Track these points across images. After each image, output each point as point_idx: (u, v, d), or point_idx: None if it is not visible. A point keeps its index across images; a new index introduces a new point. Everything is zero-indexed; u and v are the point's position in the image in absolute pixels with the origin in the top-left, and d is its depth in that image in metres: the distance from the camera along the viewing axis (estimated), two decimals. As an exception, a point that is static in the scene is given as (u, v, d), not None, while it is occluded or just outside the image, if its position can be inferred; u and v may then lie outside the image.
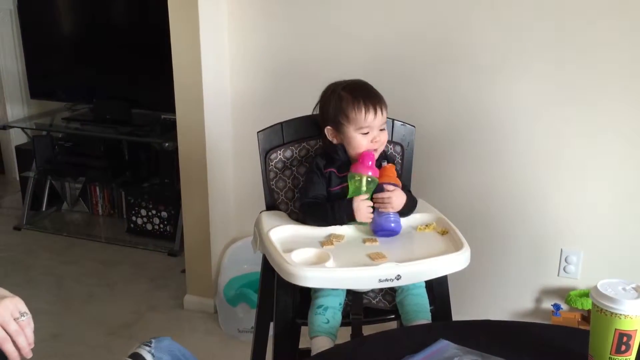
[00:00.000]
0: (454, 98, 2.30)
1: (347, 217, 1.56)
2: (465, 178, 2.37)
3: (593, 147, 2.19)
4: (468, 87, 2.27)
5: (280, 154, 1.72)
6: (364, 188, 1.56)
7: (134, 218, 3.38)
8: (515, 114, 2.25)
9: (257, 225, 1.66)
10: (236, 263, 2.64)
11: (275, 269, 1.45)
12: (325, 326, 1.50)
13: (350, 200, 1.56)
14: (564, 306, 2.33)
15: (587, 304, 2.23)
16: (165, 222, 3.30)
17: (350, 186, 1.58)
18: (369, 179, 1.56)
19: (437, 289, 1.60)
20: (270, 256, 1.49)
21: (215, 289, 2.63)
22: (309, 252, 1.48)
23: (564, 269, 2.35)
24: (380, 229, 1.57)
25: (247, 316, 2.44)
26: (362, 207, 1.55)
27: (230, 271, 2.62)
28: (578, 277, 2.34)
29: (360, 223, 1.57)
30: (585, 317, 2.30)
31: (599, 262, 2.30)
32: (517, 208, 2.34)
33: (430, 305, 1.61)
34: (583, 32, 2.10)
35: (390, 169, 1.62)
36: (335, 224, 1.58)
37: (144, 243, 3.30)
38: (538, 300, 2.42)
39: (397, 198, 1.57)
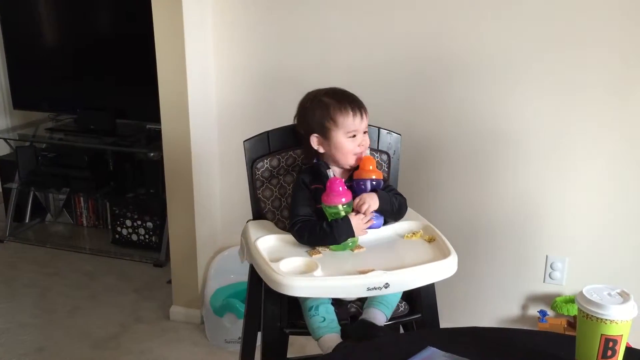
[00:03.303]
0: (439, 106, 2.31)
1: (346, 236, 1.54)
2: (451, 186, 2.38)
3: (578, 154, 2.21)
4: (452, 95, 2.28)
5: (266, 163, 1.72)
6: (342, 213, 1.55)
7: (119, 229, 3.35)
8: (500, 122, 2.26)
9: (244, 234, 1.66)
10: (222, 273, 2.62)
11: (263, 278, 1.45)
12: (323, 324, 1.50)
13: (347, 220, 1.54)
14: (550, 312, 2.35)
15: (573, 310, 2.24)
16: (151, 233, 3.28)
17: (327, 215, 1.56)
18: (345, 206, 1.55)
19: (425, 296, 1.60)
20: (257, 266, 1.49)
21: (201, 299, 2.62)
22: (297, 262, 1.48)
23: (550, 276, 2.36)
24: None
25: (234, 326, 2.43)
26: (359, 224, 1.55)
27: (216, 281, 2.60)
28: (563, 283, 2.35)
29: (346, 242, 1.56)
30: (572, 323, 2.31)
31: (584, 268, 2.32)
32: (503, 215, 2.36)
33: (417, 314, 1.62)
34: (567, 38, 2.12)
35: (369, 161, 1.62)
36: (331, 244, 1.55)
37: (129, 254, 3.28)
38: (524, 307, 2.43)
39: (369, 199, 1.56)
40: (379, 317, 1.51)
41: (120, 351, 2.47)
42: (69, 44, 3.43)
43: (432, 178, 2.39)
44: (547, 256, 2.35)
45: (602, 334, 1.07)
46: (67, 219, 3.69)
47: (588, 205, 2.26)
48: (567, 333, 2.28)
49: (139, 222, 3.30)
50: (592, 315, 1.07)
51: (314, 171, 1.64)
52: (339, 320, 1.54)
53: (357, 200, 1.57)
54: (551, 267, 2.35)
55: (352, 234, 1.54)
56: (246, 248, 1.61)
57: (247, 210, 2.59)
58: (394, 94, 2.32)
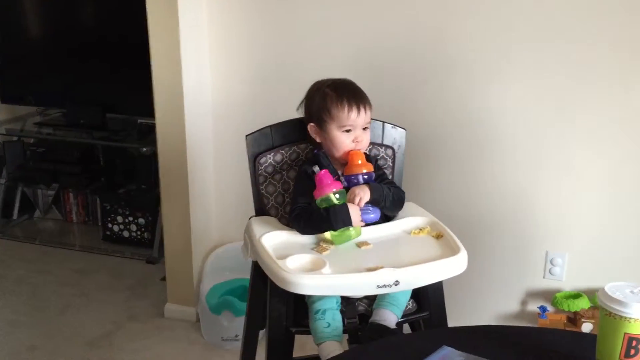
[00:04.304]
0: (440, 101, 2.28)
1: (343, 222, 1.51)
2: (451, 181, 2.36)
3: (577, 149, 2.20)
4: (454, 90, 2.26)
5: (270, 158, 1.68)
6: (336, 203, 1.53)
7: (110, 225, 3.29)
8: (500, 117, 2.24)
9: (248, 231, 1.62)
10: (218, 270, 2.58)
11: (270, 276, 1.41)
12: (327, 330, 1.47)
13: (345, 207, 1.52)
14: (550, 308, 2.33)
15: (574, 306, 2.23)
16: (143, 229, 3.23)
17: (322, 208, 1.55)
18: (337, 194, 1.53)
19: (432, 294, 1.57)
20: (264, 263, 1.45)
21: (197, 296, 2.57)
22: (304, 259, 1.45)
23: (549, 271, 2.34)
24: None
25: (231, 324, 2.39)
26: (356, 213, 1.53)
27: (212, 278, 2.56)
28: (563, 279, 2.34)
29: (349, 232, 1.53)
30: (571, 319, 2.30)
31: (584, 263, 2.30)
32: (502, 211, 2.34)
33: (425, 312, 1.59)
34: (564, 33, 2.10)
35: (357, 156, 1.59)
36: (328, 230, 1.53)
37: (120, 251, 3.22)
38: (524, 303, 2.41)
39: (360, 191, 1.55)
40: (390, 317, 1.48)
41: (114, 349, 2.42)
42: (58, 37, 3.35)
43: (431, 173, 2.36)
44: (547, 252, 2.33)
45: (625, 333, 1.04)
46: (57, 215, 3.63)
47: (588, 201, 2.24)
48: (567, 329, 2.27)
49: (131, 218, 3.24)
50: (615, 314, 1.05)
51: (315, 162, 1.61)
52: (348, 318, 1.51)
53: (348, 194, 1.55)
54: (551, 262, 2.33)
55: (349, 222, 1.51)
56: (250, 245, 1.57)
57: (243, 206, 2.54)
58: (395, 88, 2.29)
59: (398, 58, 2.28)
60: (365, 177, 1.58)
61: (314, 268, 1.41)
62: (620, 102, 2.12)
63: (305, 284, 1.35)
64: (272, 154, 1.68)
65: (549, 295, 2.34)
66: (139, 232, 3.24)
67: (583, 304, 2.23)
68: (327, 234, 1.54)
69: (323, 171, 1.55)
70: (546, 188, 2.27)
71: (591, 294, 2.26)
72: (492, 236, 2.36)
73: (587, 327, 2.26)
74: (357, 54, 2.31)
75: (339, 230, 1.52)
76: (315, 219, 1.53)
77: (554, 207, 2.28)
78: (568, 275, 2.33)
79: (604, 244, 2.26)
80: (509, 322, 2.42)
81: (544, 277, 2.36)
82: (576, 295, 2.27)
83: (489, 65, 2.20)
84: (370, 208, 1.57)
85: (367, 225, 1.57)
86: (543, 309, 2.32)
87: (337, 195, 1.53)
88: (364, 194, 1.55)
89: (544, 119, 2.20)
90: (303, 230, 1.56)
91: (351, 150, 1.59)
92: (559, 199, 2.26)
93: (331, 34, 2.33)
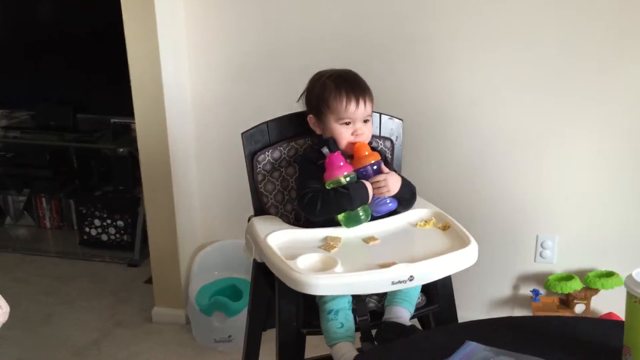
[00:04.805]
0: (426, 87, 2.27)
1: (361, 200, 1.49)
2: (439, 167, 2.34)
3: (566, 132, 2.21)
4: (439, 75, 2.24)
5: (268, 155, 1.63)
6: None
7: (86, 229, 3.19)
8: (488, 101, 2.23)
9: (250, 231, 1.57)
10: (206, 270, 2.53)
11: (282, 278, 1.36)
12: (341, 331, 1.44)
13: (363, 184, 1.50)
14: (542, 291, 2.34)
15: (567, 288, 2.24)
16: (122, 232, 3.14)
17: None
18: (347, 177, 1.50)
19: (442, 288, 1.56)
20: (273, 265, 1.40)
21: (185, 298, 2.51)
22: (314, 258, 1.40)
23: (540, 254, 2.35)
24: (376, 214, 1.55)
25: (224, 325, 2.34)
26: (370, 191, 1.51)
27: (200, 279, 2.51)
28: (554, 262, 2.35)
29: (359, 216, 1.51)
30: (564, 301, 2.32)
31: (574, 245, 2.32)
32: (491, 195, 2.33)
33: (434, 304, 1.57)
34: (551, 17, 2.11)
35: (363, 147, 1.55)
36: (346, 209, 1.49)
37: (100, 255, 3.13)
38: (516, 287, 2.42)
39: (392, 179, 1.52)
40: (404, 314, 1.45)
41: (103, 358, 2.35)
42: (21, 34, 3.20)
43: (419, 160, 2.33)
44: (537, 235, 2.34)
45: (655, 319, 1.04)
46: (29, 221, 3.50)
47: (577, 183, 2.25)
48: (560, 311, 2.29)
49: (109, 221, 3.15)
50: (645, 300, 1.04)
51: (319, 148, 1.57)
52: (359, 316, 1.47)
53: (379, 177, 1.51)
54: (542, 246, 2.34)
55: (366, 199, 1.49)
56: (254, 246, 1.52)
57: (228, 204, 2.50)
58: (381, 78, 2.23)
59: (383, 45, 2.25)
60: (375, 167, 1.54)
61: (326, 267, 1.37)
62: (610, 82, 2.13)
63: (320, 285, 1.31)
64: (269, 151, 1.63)
65: (541, 279, 2.35)
66: (118, 235, 3.15)
67: (575, 285, 2.24)
68: (333, 231, 1.50)
69: (336, 153, 1.51)
70: (534, 172, 2.27)
71: (582, 275, 2.28)
72: (482, 222, 2.35)
73: (579, 308, 2.28)
74: (341, 46, 2.27)
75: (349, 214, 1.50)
76: (333, 198, 1.48)
77: (543, 191, 2.28)
78: (559, 258, 2.34)
79: (593, 225, 2.28)
80: (502, 307, 2.44)
81: (535, 261, 2.37)
82: (568, 277, 2.28)
83: (472, 50, 2.19)
84: (388, 198, 1.53)
85: (372, 219, 1.54)
86: (536, 292, 2.33)
87: (348, 179, 1.50)
88: (393, 187, 1.52)
89: (530, 104, 2.20)
90: (319, 213, 1.51)
91: (356, 142, 1.55)
92: (547, 182, 2.27)
93: (312, 27, 2.29)
